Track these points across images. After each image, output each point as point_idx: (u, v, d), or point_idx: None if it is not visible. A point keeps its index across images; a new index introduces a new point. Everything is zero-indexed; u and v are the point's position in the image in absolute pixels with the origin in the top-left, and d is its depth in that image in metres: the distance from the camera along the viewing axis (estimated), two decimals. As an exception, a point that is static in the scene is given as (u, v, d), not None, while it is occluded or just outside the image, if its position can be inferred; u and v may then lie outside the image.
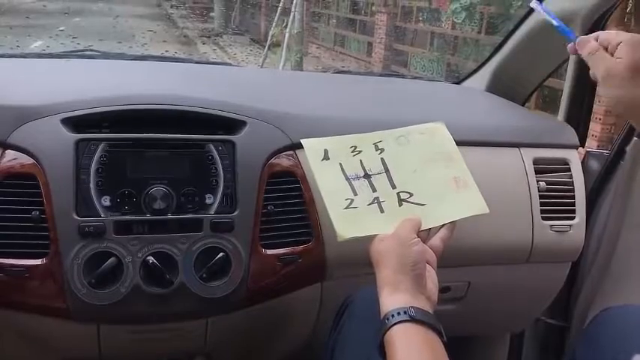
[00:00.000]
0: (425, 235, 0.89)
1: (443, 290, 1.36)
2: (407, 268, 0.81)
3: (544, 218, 1.33)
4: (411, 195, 0.93)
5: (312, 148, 1.02)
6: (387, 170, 0.97)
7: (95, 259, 1.04)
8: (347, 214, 0.91)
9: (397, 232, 0.86)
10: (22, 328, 1.13)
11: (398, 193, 0.94)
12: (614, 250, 1.43)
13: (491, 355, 1.74)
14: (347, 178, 0.96)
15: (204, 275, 1.08)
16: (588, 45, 0.89)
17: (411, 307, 0.77)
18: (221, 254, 1.09)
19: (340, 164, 0.98)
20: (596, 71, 0.87)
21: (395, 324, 0.76)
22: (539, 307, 1.53)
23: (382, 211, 0.92)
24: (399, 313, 0.77)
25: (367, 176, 0.96)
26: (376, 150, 1.00)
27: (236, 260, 1.10)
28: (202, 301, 1.08)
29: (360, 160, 0.98)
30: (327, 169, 0.97)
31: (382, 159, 0.98)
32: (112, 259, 1.04)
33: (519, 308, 1.51)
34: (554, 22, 0.98)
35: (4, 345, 1.17)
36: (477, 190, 0.95)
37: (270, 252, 1.14)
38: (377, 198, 0.93)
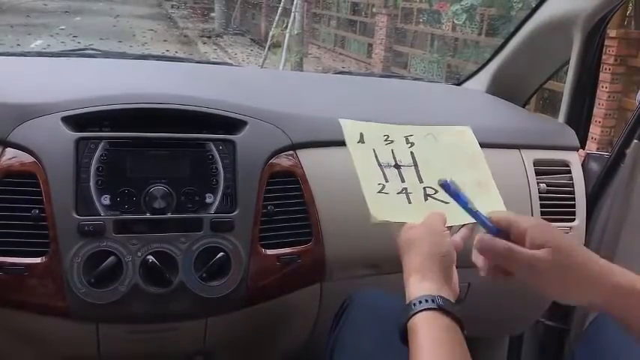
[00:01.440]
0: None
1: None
2: (437, 258, 0.81)
3: (544, 220, 1.33)
4: (436, 192, 0.95)
5: (349, 128, 1.03)
6: (415, 164, 0.98)
7: (95, 258, 1.04)
8: (379, 198, 0.93)
9: (428, 222, 0.86)
10: (21, 326, 1.13)
11: (424, 188, 0.95)
12: (614, 252, 1.42)
13: (491, 358, 1.74)
14: (379, 164, 0.97)
15: (203, 275, 1.08)
16: (496, 247, 0.76)
17: (439, 296, 0.77)
18: (221, 254, 1.08)
19: (374, 150, 0.99)
20: (518, 272, 0.76)
21: (421, 311, 0.75)
22: (538, 309, 1.53)
23: (410, 202, 0.93)
24: (426, 301, 0.76)
25: (397, 166, 0.97)
26: (407, 143, 1.01)
27: (236, 260, 1.09)
28: (202, 300, 1.08)
29: (392, 150, 0.99)
30: (362, 151, 0.99)
31: (412, 152, 1.00)
32: (111, 258, 1.04)
33: (519, 310, 1.51)
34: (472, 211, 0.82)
35: (3, 344, 1.17)
36: (498, 194, 0.97)
37: (269, 252, 1.14)
38: (405, 189, 0.94)
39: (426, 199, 0.94)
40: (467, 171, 0.99)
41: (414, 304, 0.76)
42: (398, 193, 0.94)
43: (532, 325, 1.62)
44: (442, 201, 0.94)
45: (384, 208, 0.91)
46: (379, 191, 0.93)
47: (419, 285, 0.79)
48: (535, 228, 0.75)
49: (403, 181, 0.96)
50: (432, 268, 0.80)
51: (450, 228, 0.91)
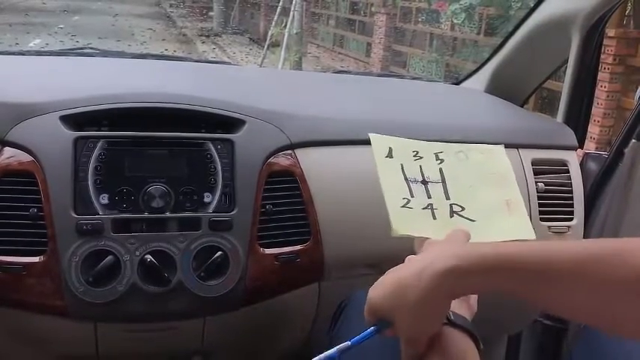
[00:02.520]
0: None
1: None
2: None
3: (542, 219, 1.33)
4: (463, 209, 0.94)
5: (378, 143, 1.01)
6: (443, 181, 0.98)
7: (93, 257, 1.04)
8: (403, 212, 0.92)
9: (450, 239, 0.83)
10: (19, 326, 1.13)
11: (451, 205, 0.95)
12: (612, 251, 1.42)
13: (489, 357, 1.74)
14: (406, 179, 0.96)
15: (202, 274, 1.08)
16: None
17: (451, 311, 0.76)
18: (219, 253, 1.08)
19: (401, 165, 0.98)
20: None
21: None
22: (537, 308, 1.53)
23: (434, 217, 0.92)
24: None
25: (425, 182, 0.97)
26: (436, 160, 1.01)
27: (234, 259, 1.09)
28: (200, 299, 1.08)
29: (420, 166, 0.99)
30: (390, 166, 0.98)
31: (441, 169, 0.99)
32: (109, 258, 1.04)
33: (517, 309, 1.50)
34: None
35: (1, 344, 1.16)
36: (526, 215, 0.96)
37: (268, 251, 1.14)
38: (431, 205, 0.94)
39: (451, 216, 0.94)
40: (496, 189, 0.98)
41: None
42: (423, 209, 0.93)
43: (530, 324, 1.62)
44: (468, 219, 0.93)
45: (406, 222, 0.91)
46: (403, 205, 0.93)
47: None
48: None
49: (430, 197, 0.95)
50: None
51: None
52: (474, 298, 0.83)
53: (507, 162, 1.03)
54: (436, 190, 0.96)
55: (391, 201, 0.93)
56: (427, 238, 0.86)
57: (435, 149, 1.02)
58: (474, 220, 0.93)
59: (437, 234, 0.87)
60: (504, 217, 0.95)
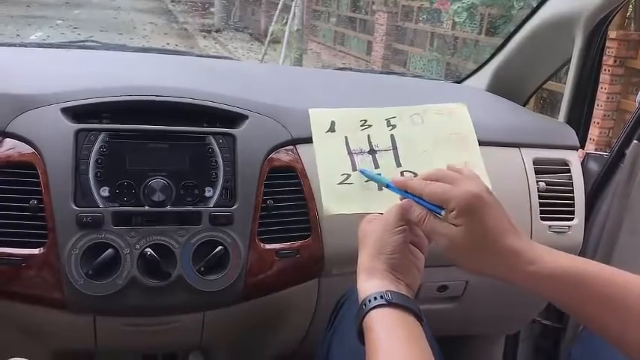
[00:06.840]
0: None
1: (440, 289, 1.37)
2: (383, 256, 0.79)
3: (543, 219, 1.33)
4: (415, 175, 0.90)
5: (318, 118, 0.97)
6: (394, 148, 0.93)
7: (93, 250, 1.04)
8: (339, 190, 0.89)
9: (385, 217, 0.82)
10: (18, 318, 1.13)
11: (402, 172, 0.91)
12: (612, 252, 1.43)
13: (487, 356, 1.74)
14: (349, 152, 0.93)
15: (202, 268, 1.08)
16: (410, 214, 0.79)
17: (388, 291, 0.75)
18: (219, 248, 1.08)
19: (345, 137, 0.94)
20: (435, 241, 0.78)
21: (372, 309, 0.74)
22: (535, 308, 1.53)
23: (380, 188, 0.89)
24: (375, 298, 0.74)
25: (372, 152, 0.93)
26: (387, 126, 0.96)
27: (234, 254, 1.09)
28: (199, 294, 1.08)
29: (368, 135, 0.95)
30: (330, 141, 0.94)
31: (392, 135, 0.95)
32: (109, 251, 1.04)
33: (515, 309, 1.51)
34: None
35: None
36: (486, 178, 0.90)
37: (268, 246, 1.14)
38: (379, 174, 0.90)
39: None
40: (453, 152, 0.93)
41: (365, 304, 0.75)
42: (367, 181, 0.90)
43: (528, 324, 1.62)
44: None
45: (342, 200, 0.88)
46: (341, 182, 0.90)
47: (367, 283, 0.77)
48: (462, 211, 0.73)
49: (377, 167, 0.91)
50: (378, 266, 0.78)
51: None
52: (414, 279, 0.81)
53: (469, 122, 0.97)
54: (385, 158, 0.92)
55: (326, 180, 0.90)
56: (365, 214, 0.85)
57: (387, 115, 0.97)
58: None
59: (380, 206, 0.85)
60: None
